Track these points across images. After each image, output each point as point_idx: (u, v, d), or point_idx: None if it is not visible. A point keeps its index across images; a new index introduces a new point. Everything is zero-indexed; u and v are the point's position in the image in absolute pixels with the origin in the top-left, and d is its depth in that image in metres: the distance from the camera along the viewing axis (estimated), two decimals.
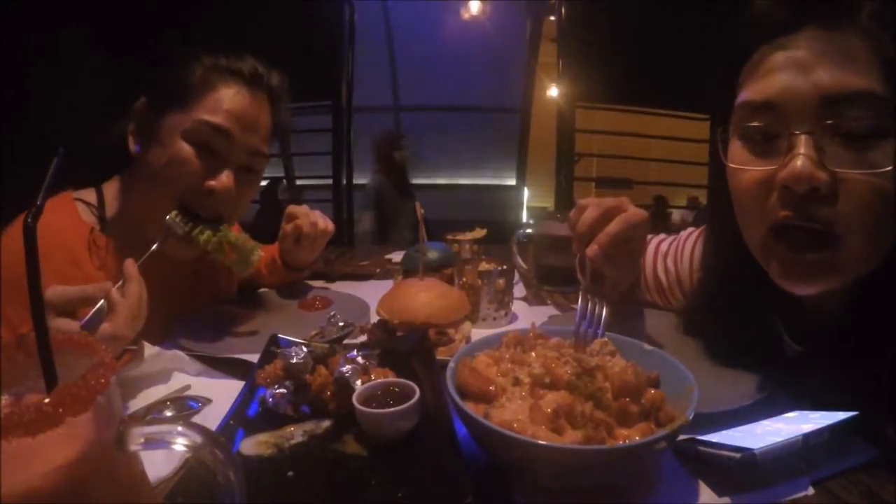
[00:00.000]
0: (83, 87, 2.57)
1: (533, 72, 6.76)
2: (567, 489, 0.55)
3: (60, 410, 0.28)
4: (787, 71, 0.62)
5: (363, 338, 0.90)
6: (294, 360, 0.67)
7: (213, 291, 1.22)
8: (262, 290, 1.27)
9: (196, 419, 0.70)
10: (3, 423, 0.27)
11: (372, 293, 1.07)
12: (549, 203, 6.30)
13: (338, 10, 4.22)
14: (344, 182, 4.43)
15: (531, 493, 0.54)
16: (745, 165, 0.67)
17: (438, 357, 0.78)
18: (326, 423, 0.63)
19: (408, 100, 7.34)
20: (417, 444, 0.59)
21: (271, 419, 0.63)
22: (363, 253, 1.89)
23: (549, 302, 1.22)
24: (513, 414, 0.55)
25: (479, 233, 1.36)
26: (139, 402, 0.73)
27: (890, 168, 0.57)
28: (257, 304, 1.18)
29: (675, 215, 6.14)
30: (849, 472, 0.57)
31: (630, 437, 0.53)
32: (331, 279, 1.41)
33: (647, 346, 0.68)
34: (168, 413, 0.71)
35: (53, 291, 0.72)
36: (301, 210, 1.22)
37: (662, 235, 1.11)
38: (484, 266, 1.08)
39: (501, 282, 1.05)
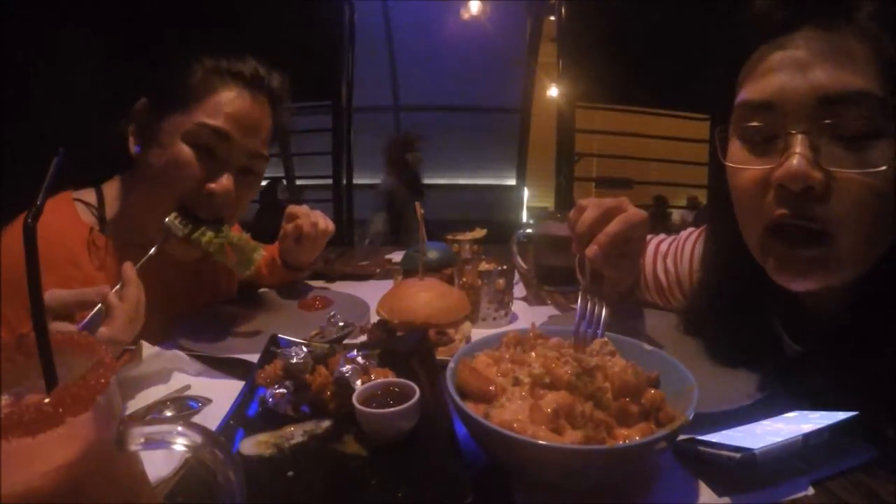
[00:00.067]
0: (83, 87, 2.57)
1: (533, 72, 6.76)
2: (567, 489, 0.55)
3: (60, 410, 0.28)
4: (784, 71, 0.62)
5: (363, 338, 0.91)
6: (294, 360, 0.67)
7: (214, 292, 1.22)
8: (262, 290, 1.27)
9: (196, 419, 0.70)
10: (3, 423, 0.27)
11: (372, 293, 1.07)
12: (549, 203, 6.30)
13: (338, 10, 4.21)
14: (344, 182, 4.42)
15: (531, 493, 0.54)
16: (743, 164, 0.68)
17: (438, 357, 0.78)
18: (326, 423, 0.63)
19: (408, 100, 7.34)
20: (417, 444, 0.59)
21: (271, 419, 0.63)
22: (363, 253, 1.89)
23: (549, 302, 1.22)
24: (513, 414, 0.55)
25: (479, 233, 1.36)
26: (139, 402, 0.73)
27: (885, 168, 0.58)
28: (257, 304, 1.18)
29: (675, 215, 6.14)
30: (849, 472, 0.57)
31: (630, 437, 0.53)
32: (331, 279, 1.41)
33: (647, 346, 0.68)
34: (168, 413, 0.71)
35: (51, 295, 0.72)
36: (302, 210, 1.22)
37: (662, 236, 1.11)
38: (484, 266, 1.08)
39: (501, 282, 1.05)
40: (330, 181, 4.38)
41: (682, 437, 0.57)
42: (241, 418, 0.64)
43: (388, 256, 1.71)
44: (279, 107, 1.07)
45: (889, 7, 0.60)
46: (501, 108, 7.18)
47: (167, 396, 0.75)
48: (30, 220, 0.32)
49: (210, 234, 0.97)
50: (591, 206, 0.80)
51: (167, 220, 0.95)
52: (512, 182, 7.66)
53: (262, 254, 1.04)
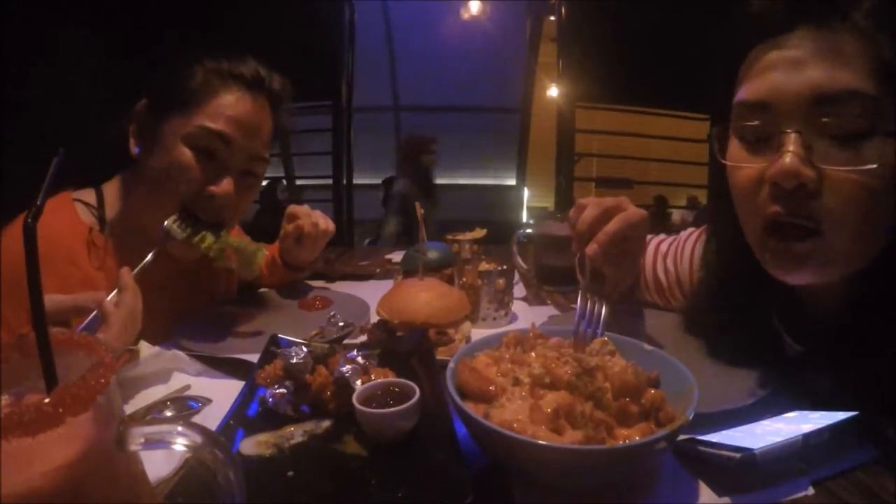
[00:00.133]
0: (83, 87, 2.57)
1: (533, 72, 6.76)
2: (567, 489, 0.55)
3: (60, 410, 0.28)
4: (779, 70, 0.63)
5: (363, 338, 0.90)
6: (294, 360, 0.67)
7: (213, 292, 1.22)
8: (262, 290, 1.27)
9: (196, 419, 0.70)
10: (3, 423, 0.27)
11: (372, 293, 1.07)
12: (549, 203, 6.30)
13: (338, 10, 4.21)
14: (344, 182, 4.42)
15: (531, 493, 0.54)
16: (740, 163, 0.69)
17: (438, 357, 0.78)
18: (326, 423, 0.63)
19: (408, 100, 7.34)
20: (417, 444, 0.59)
21: (271, 419, 0.63)
22: (363, 253, 1.89)
23: (549, 302, 1.21)
24: (513, 414, 0.55)
25: (479, 233, 1.35)
26: (139, 402, 0.73)
27: (876, 166, 0.58)
28: (257, 304, 1.18)
29: (675, 215, 6.14)
30: (849, 472, 0.57)
31: (630, 437, 0.53)
32: (331, 279, 1.41)
33: (647, 346, 0.69)
34: (168, 413, 0.71)
35: (47, 300, 0.72)
36: (302, 210, 1.22)
37: (662, 236, 1.11)
38: (484, 266, 1.08)
39: (501, 282, 1.05)
40: (330, 181, 4.38)
41: (682, 437, 0.57)
42: (241, 418, 0.64)
43: (388, 256, 1.71)
44: (280, 108, 1.06)
45: (886, 6, 0.60)
46: (501, 108, 7.18)
47: (167, 396, 0.75)
48: (30, 220, 0.32)
49: (210, 238, 0.97)
50: (591, 204, 0.80)
51: (166, 223, 0.95)
52: (512, 182, 7.66)
53: (265, 254, 1.04)
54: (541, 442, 0.50)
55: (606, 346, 0.67)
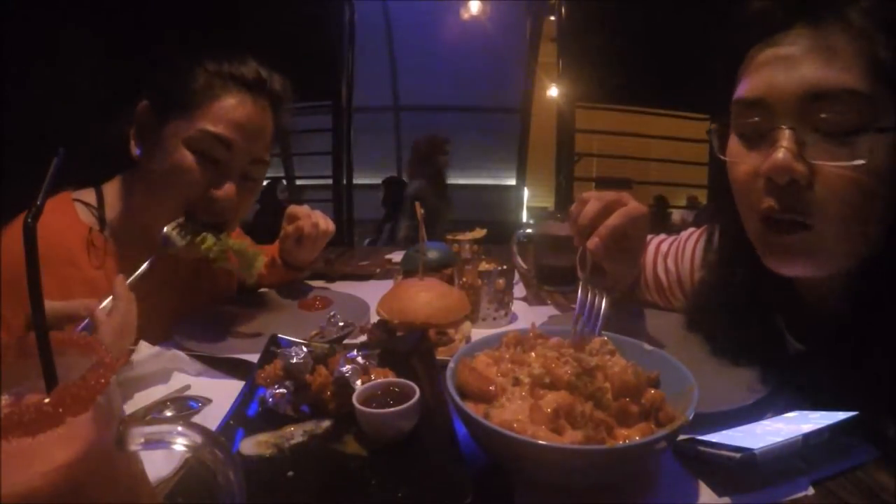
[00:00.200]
0: (83, 87, 2.57)
1: (533, 72, 6.76)
2: (567, 489, 0.55)
3: (60, 410, 0.28)
4: (774, 68, 0.64)
5: (363, 338, 0.90)
6: (294, 360, 0.67)
7: (213, 291, 1.22)
8: (262, 290, 1.27)
9: (196, 419, 0.70)
10: (3, 423, 0.27)
11: (372, 293, 1.07)
12: (549, 203, 6.30)
13: (338, 10, 4.22)
14: (344, 182, 4.42)
15: (531, 493, 0.54)
16: (739, 158, 0.70)
17: (438, 357, 0.78)
18: (326, 423, 0.63)
19: (408, 100, 7.34)
20: (417, 444, 0.59)
21: (271, 419, 0.63)
22: (363, 253, 1.89)
23: (549, 302, 1.21)
24: (513, 414, 0.55)
25: (479, 233, 1.35)
26: (139, 402, 0.73)
27: (864, 162, 0.59)
28: (257, 304, 1.18)
29: (675, 215, 6.14)
30: (849, 472, 0.57)
31: (630, 437, 0.53)
32: (331, 279, 1.41)
33: (647, 346, 0.69)
34: (168, 413, 0.71)
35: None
36: (302, 211, 1.22)
37: (663, 236, 1.11)
38: (484, 266, 1.08)
39: (501, 282, 1.05)
40: (330, 181, 4.38)
41: (682, 437, 0.57)
42: (241, 418, 0.64)
43: (388, 256, 1.71)
44: (281, 109, 1.06)
45: (882, 5, 0.61)
46: (501, 108, 7.18)
47: (167, 396, 0.75)
48: (30, 220, 0.32)
49: (211, 240, 0.97)
50: (592, 199, 0.81)
51: (166, 229, 0.94)
52: (512, 182, 7.65)
53: (264, 260, 1.04)
54: (541, 442, 0.50)
55: (606, 345, 0.67)
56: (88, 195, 1.03)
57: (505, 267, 1.08)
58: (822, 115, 0.61)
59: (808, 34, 0.63)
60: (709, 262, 0.90)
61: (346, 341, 0.90)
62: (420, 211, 1.01)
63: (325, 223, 1.22)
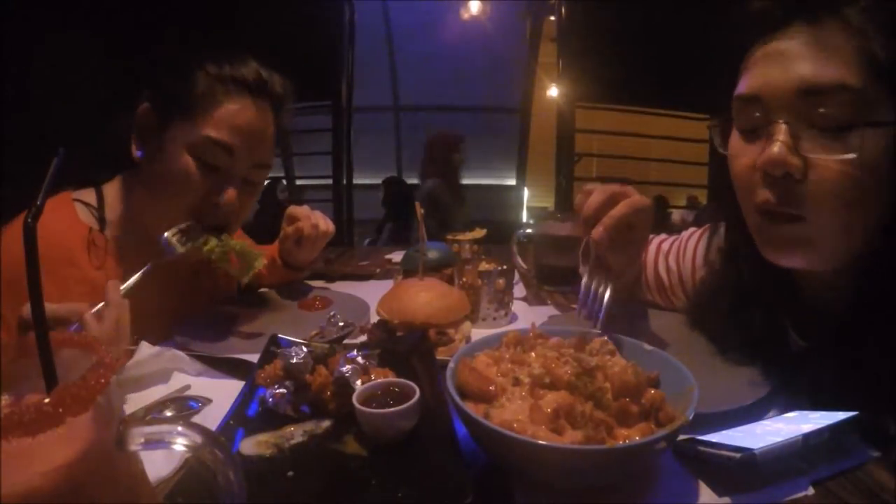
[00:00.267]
0: (83, 87, 2.57)
1: (533, 72, 6.76)
2: (567, 489, 0.55)
3: (60, 410, 0.28)
4: (771, 65, 0.66)
5: (363, 338, 0.90)
6: (294, 360, 0.67)
7: (213, 292, 1.22)
8: (262, 290, 1.27)
9: (196, 419, 0.70)
10: (3, 423, 0.27)
11: (372, 293, 1.07)
12: (549, 203, 6.29)
13: (338, 10, 4.22)
14: (344, 182, 4.42)
15: (531, 493, 0.54)
16: (738, 152, 0.72)
17: (438, 357, 0.78)
18: (326, 423, 0.63)
19: (408, 100, 7.34)
20: (417, 444, 0.59)
21: (271, 419, 0.63)
22: (363, 253, 1.89)
23: (549, 302, 1.22)
24: (513, 414, 0.55)
25: (479, 233, 1.36)
26: (139, 402, 0.73)
27: (855, 155, 0.61)
28: (257, 304, 1.18)
29: (675, 215, 6.14)
30: (849, 472, 0.57)
31: (630, 437, 0.53)
32: (331, 279, 1.41)
33: (647, 346, 0.69)
34: (168, 413, 0.71)
35: (28, 309, 0.71)
36: (302, 212, 1.22)
37: (663, 235, 1.11)
38: (484, 266, 1.07)
39: (501, 282, 1.05)
40: (330, 181, 4.38)
41: (682, 437, 0.57)
42: (241, 418, 0.64)
43: (388, 256, 1.71)
44: (282, 111, 1.06)
45: (880, 4, 0.62)
46: (501, 108, 7.18)
47: (167, 396, 0.75)
48: (30, 220, 0.32)
49: (213, 241, 0.97)
50: (597, 190, 0.81)
51: (166, 234, 0.93)
52: (512, 182, 7.65)
53: (264, 262, 1.04)
54: (541, 442, 0.50)
55: (606, 345, 0.67)
56: (88, 195, 1.03)
57: (505, 267, 1.08)
58: (817, 111, 0.63)
59: (806, 32, 0.64)
60: (710, 260, 0.90)
61: (346, 341, 0.90)
62: (420, 211, 1.01)
63: (325, 224, 1.22)
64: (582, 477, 0.54)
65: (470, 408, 0.56)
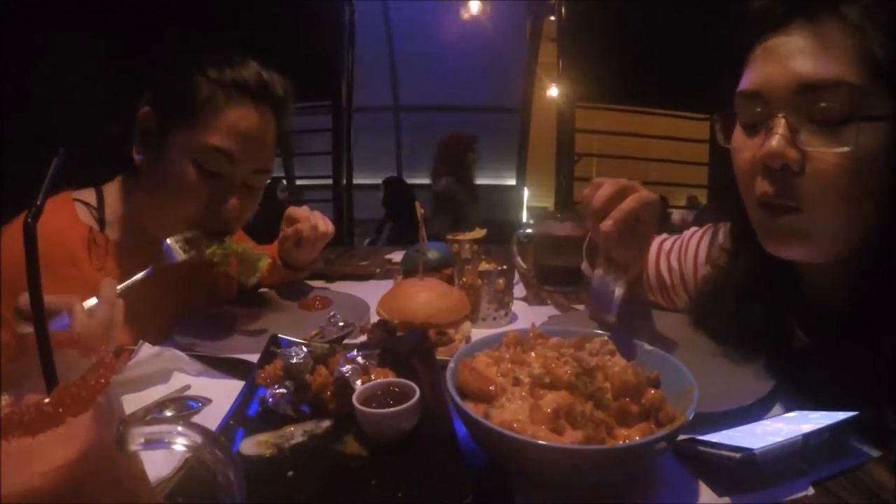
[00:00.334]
0: (83, 87, 2.57)
1: (533, 72, 6.75)
2: (567, 489, 0.55)
3: (60, 410, 0.28)
4: (771, 62, 0.68)
5: (363, 338, 0.90)
6: (294, 360, 0.67)
7: (213, 292, 1.22)
8: (262, 290, 1.27)
9: (196, 419, 0.70)
10: (3, 423, 0.27)
11: (372, 293, 1.07)
12: (549, 203, 6.29)
13: (338, 10, 4.21)
14: (344, 182, 4.42)
15: (531, 493, 0.54)
16: (740, 146, 0.74)
17: (438, 357, 0.78)
18: (326, 423, 0.63)
19: (408, 100, 7.33)
20: (417, 444, 0.59)
21: (271, 419, 0.63)
22: (363, 253, 1.89)
23: (549, 302, 1.22)
24: (513, 414, 0.55)
25: (479, 233, 1.36)
26: (139, 402, 0.73)
27: (849, 149, 0.63)
28: (257, 304, 1.18)
29: (675, 215, 6.14)
30: (849, 472, 0.57)
31: (630, 437, 0.53)
32: (331, 279, 1.41)
33: (647, 346, 0.69)
34: (168, 413, 0.71)
35: (24, 298, 0.71)
36: (302, 213, 1.22)
37: (665, 235, 1.11)
38: (484, 266, 1.07)
39: (501, 282, 1.05)
40: (330, 181, 4.38)
41: (682, 437, 0.57)
42: (241, 418, 0.64)
43: (388, 256, 1.71)
44: (284, 115, 1.06)
45: (879, 3, 0.64)
46: (501, 108, 7.17)
47: (167, 396, 0.75)
48: (30, 220, 0.32)
49: (214, 245, 0.97)
50: (607, 182, 0.82)
51: (168, 241, 0.93)
52: (512, 182, 7.65)
53: (268, 262, 1.04)
54: (541, 442, 0.50)
55: (606, 345, 0.67)
56: (88, 195, 1.03)
57: (505, 267, 1.08)
58: (815, 105, 0.65)
59: (805, 30, 0.66)
60: (712, 258, 0.92)
61: (346, 341, 0.90)
62: (420, 211, 1.01)
63: (325, 225, 1.22)
64: (582, 477, 0.54)
65: (470, 408, 0.56)
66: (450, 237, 1.35)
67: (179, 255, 0.94)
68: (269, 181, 1.11)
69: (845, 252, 0.70)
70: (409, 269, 1.13)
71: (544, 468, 0.53)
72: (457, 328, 0.89)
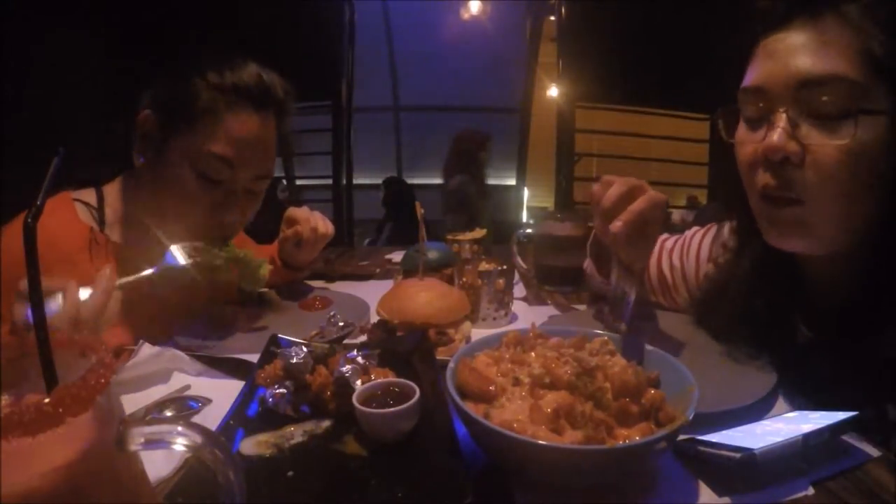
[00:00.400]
0: (83, 87, 2.57)
1: (533, 72, 6.75)
2: (567, 489, 0.55)
3: (60, 410, 0.28)
4: (773, 59, 0.70)
5: (363, 338, 0.91)
6: (294, 360, 0.67)
7: (213, 292, 1.21)
8: (262, 290, 1.26)
9: (196, 419, 0.70)
10: (3, 423, 0.27)
11: (372, 293, 1.07)
12: (549, 203, 6.28)
13: (338, 10, 4.21)
14: (344, 182, 4.41)
15: (531, 493, 0.54)
16: (743, 140, 0.76)
17: (438, 357, 0.78)
18: (326, 423, 0.63)
19: (408, 100, 7.33)
20: (417, 444, 0.59)
21: (271, 419, 0.63)
22: (363, 253, 1.89)
23: (549, 302, 1.22)
24: (513, 414, 0.55)
25: (479, 233, 1.36)
26: (139, 402, 0.73)
27: (847, 141, 0.64)
28: (257, 304, 1.18)
29: (675, 215, 6.13)
30: (849, 472, 0.57)
31: (630, 437, 0.53)
32: (331, 279, 1.41)
33: (647, 346, 0.69)
34: (168, 413, 0.71)
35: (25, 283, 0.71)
36: (301, 214, 1.22)
37: (666, 235, 1.11)
38: (484, 266, 1.07)
39: (501, 282, 1.05)
40: (330, 181, 4.37)
41: (682, 437, 0.57)
42: (241, 418, 0.64)
43: (388, 256, 1.71)
44: (285, 118, 1.06)
45: (881, 3, 0.66)
46: (501, 108, 7.17)
47: (167, 396, 0.75)
48: (30, 220, 0.32)
49: (216, 250, 0.97)
50: (617, 182, 0.82)
51: (172, 248, 0.93)
52: (512, 182, 7.64)
53: (269, 269, 1.04)
54: (541, 442, 0.50)
55: (606, 346, 0.67)
56: (88, 195, 1.03)
57: (505, 267, 1.08)
58: (815, 100, 0.67)
59: (807, 28, 0.68)
60: (714, 256, 0.93)
61: (346, 341, 0.90)
62: (420, 210, 1.01)
63: (325, 226, 1.22)
64: (582, 477, 0.54)
65: (470, 408, 0.56)
66: (450, 237, 1.35)
67: (183, 259, 0.94)
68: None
69: (846, 245, 0.72)
70: (409, 269, 1.13)
71: (544, 468, 0.53)
72: (457, 328, 0.89)
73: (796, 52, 0.68)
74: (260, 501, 0.50)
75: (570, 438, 0.51)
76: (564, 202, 4.30)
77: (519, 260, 1.24)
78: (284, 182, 4.90)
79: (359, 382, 0.64)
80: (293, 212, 1.23)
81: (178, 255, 0.93)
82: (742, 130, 0.77)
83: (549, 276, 1.25)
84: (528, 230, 1.25)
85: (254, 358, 0.77)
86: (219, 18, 3.16)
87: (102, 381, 0.31)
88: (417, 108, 7.22)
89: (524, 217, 7.13)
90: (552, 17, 5.05)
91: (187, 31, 2.94)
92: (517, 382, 0.60)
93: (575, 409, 0.54)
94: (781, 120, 0.68)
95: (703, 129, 4.02)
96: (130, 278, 0.86)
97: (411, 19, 6.54)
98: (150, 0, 3.10)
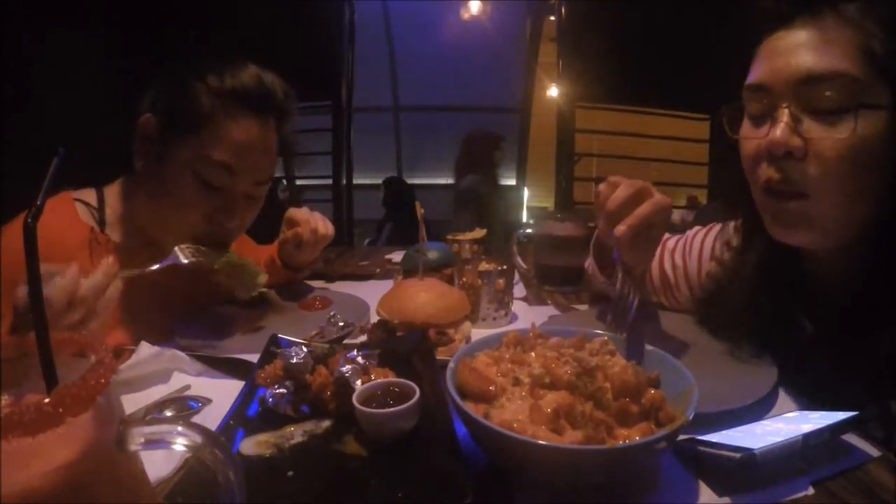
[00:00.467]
0: (83, 87, 2.57)
1: (533, 72, 6.74)
2: (567, 489, 0.55)
3: (60, 410, 0.28)
4: (776, 57, 0.72)
5: (363, 338, 0.91)
6: (294, 360, 0.67)
7: (212, 292, 1.21)
8: (262, 289, 1.26)
9: (196, 419, 0.70)
10: (3, 423, 0.27)
11: (372, 293, 1.07)
12: (549, 203, 6.28)
13: (338, 10, 4.21)
14: (344, 182, 4.41)
15: (531, 493, 0.54)
16: (748, 137, 0.77)
17: (438, 357, 0.78)
18: (326, 423, 0.63)
19: (408, 100, 7.33)
20: (417, 444, 0.59)
21: (271, 419, 0.64)
22: (363, 253, 1.89)
23: (549, 302, 1.22)
24: (513, 414, 0.55)
25: (479, 233, 1.36)
26: (139, 402, 0.73)
27: (846, 136, 0.66)
28: (257, 304, 1.17)
29: (676, 215, 6.12)
30: (849, 472, 0.57)
31: (630, 437, 0.53)
32: (331, 279, 1.41)
33: (647, 346, 0.69)
34: (168, 413, 0.71)
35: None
36: (301, 216, 1.22)
37: (667, 235, 1.11)
38: (484, 266, 1.07)
39: (501, 282, 1.05)
40: (330, 181, 4.37)
41: (682, 437, 0.57)
42: (241, 418, 0.64)
43: (388, 256, 1.71)
44: (285, 122, 1.06)
45: (881, 2, 0.67)
46: (501, 108, 7.17)
47: (167, 396, 0.75)
48: (30, 220, 0.33)
49: (217, 255, 0.97)
50: (623, 184, 0.82)
51: (176, 248, 0.94)
52: (512, 182, 7.64)
53: (265, 278, 1.05)
54: (541, 442, 0.50)
55: (606, 346, 0.67)
56: (89, 195, 1.03)
57: (505, 267, 1.08)
58: (817, 96, 0.68)
59: (808, 26, 0.70)
60: (717, 255, 0.94)
61: (346, 341, 0.90)
62: (420, 210, 1.01)
63: (325, 227, 1.22)
64: (582, 477, 0.54)
65: (470, 408, 0.56)
66: (450, 237, 1.35)
67: (186, 258, 0.94)
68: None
69: (848, 239, 0.73)
70: (409, 269, 1.13)
71: (544, 468, 0.53)
72: (457, 328, 0.89)
73: (798, 49, 0.70)
74: (260, 501, 0.50)
75: (570, 438, 0.51)
76: (564, 202, 4.29)
77: (519, 260, 1.24)
78: (285, 182, 4.90)
79: (359, 382, 0.64)
80: (293, 213, 1.23)
81: (181, 254, 0.93)
82: (746, 127, 0.78)
83: (550, 276, 1.25)
84: (528, 230, 1.25)
85: (254, 358, 0.77)
86: (219, 18, 3.16)
87: (102, 381, 0.31)
88: (417, 108, 7.22)
89: (524, 217, 7.13)
90: (552, 17, 5.05)
91: (187, 32, 2.93)
92: (517, 382, 0.60)
93: (575, 409, 0.54)
94: (784, 116, 0.70)
95: (703, 129, 4.02)
96: (133, 271, 0.86)
97: (411, 19, 6.54)
98: (151, 0, 3.09)
